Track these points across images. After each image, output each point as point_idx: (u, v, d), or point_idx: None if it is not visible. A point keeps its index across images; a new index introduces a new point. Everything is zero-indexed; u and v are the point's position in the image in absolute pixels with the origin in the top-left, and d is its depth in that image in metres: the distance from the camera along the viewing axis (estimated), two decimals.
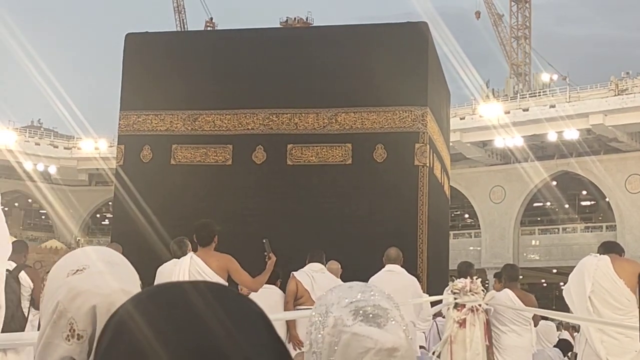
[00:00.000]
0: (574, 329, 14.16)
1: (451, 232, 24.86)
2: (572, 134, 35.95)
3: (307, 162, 11.00)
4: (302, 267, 7.98)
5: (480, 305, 6.74)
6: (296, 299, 7.78)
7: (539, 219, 41.99)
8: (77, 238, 45.42)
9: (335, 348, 1.37)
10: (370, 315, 1.38)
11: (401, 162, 10.68)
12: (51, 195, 42.33)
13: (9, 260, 7.82)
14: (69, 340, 1.47)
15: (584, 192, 41.25)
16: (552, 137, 36.54)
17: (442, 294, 7.90)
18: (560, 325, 15.32)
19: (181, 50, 11.96)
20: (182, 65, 11.68)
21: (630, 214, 36.51)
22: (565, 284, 6.05)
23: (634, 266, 5.84)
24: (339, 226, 10.40)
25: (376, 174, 10.68)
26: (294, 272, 7.91)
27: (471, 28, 63.22)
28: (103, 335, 0.82)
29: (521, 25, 55.79)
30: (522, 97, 41.61)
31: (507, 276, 7.87)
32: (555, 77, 50.87)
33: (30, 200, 49.58)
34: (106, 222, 47.45)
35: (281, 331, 7.71)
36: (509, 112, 37.73)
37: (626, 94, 35.74)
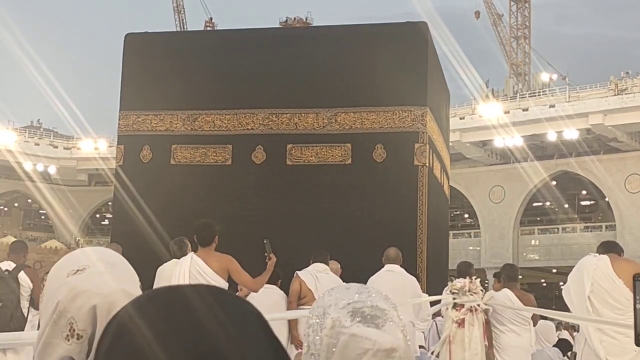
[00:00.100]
0: (574, 328, 14.18)
1: (451, 232, 24.84)
2: (571, 133, 35.95)
3: (306, 162, 11.00)
4: (302, 267, 7.98)
5: (479, 305, 6.74)
6: (299, 299, 7.78)
7: (538, 218, 41.98)
8: (77, 238, 45.42)
9: (334, 349, 1.37)
10: (368, 316, 1.38)
11: (401, 162, 10.67)
12: (51, 195, 42.30)
13: (8, 260, 7.85)
14: (68, 340, 1.48)
15: (584, 192, 41.25)
16: (551, 137, 36.55)
17: (441, 294, 7.90)
18: (560, 325, 15.35)
19: (181, 51, 11.95)
20: (181, 65, 11.68)
21: (630, 214, 36.50)
22: (564, 283, 6.05)
23: (633, 266, 5.83)
24: (339, 226, 10.39)
25: (376, 173, 10.68)
26: (298, 272, 7.90)
27: (471, 28, 63.25)
28: (104, 337, 0.83)
29: (521, 25, 55.78)
30: (522, 97, 41.62)
31: (507, 276, 7.87)
32: (554, 76, 50.94)
33: (29, 201, 49.58)
34: (106, 222, 47.43)
35: (283, 331, 7.70)
36: (508, 112, 37.74)
37: (626, 94, 35.74)
